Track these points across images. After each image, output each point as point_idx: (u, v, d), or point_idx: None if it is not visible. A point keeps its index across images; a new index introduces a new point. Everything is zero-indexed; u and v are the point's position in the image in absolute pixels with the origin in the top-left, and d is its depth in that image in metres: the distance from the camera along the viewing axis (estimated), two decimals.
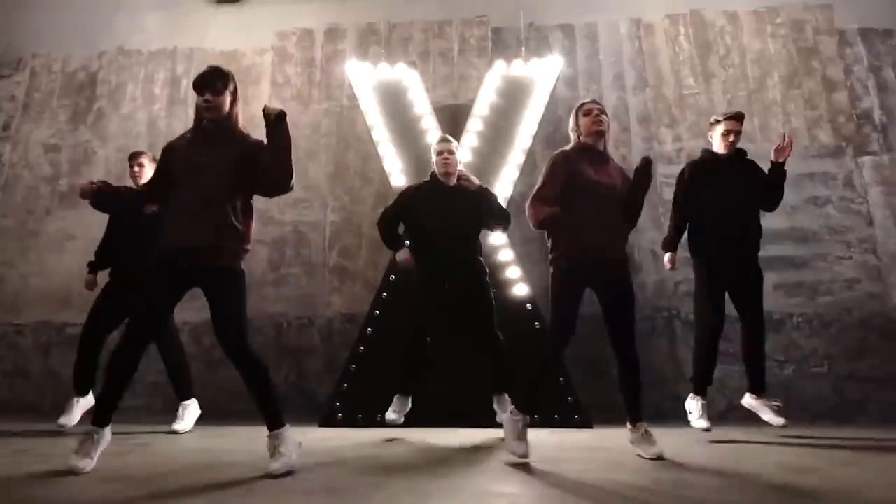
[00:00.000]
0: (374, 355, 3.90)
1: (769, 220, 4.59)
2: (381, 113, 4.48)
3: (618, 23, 5.27)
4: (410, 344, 3.23)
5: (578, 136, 2.77)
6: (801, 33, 5.15)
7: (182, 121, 5.27)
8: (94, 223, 5.09)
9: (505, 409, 2.99)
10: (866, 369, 4.35)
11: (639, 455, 2.57)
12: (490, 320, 3.16)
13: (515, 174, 4.31)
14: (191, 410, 3.68)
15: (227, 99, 2.40)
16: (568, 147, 2.78)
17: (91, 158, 5.25)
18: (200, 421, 3.74)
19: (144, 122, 5.31)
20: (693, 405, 3.36)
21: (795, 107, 4.99)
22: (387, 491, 1.94)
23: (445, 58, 5.31)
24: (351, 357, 3.98)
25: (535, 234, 4.81)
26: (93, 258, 3.83)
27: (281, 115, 2.30)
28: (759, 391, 3.34)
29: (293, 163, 2.37)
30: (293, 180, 2.38)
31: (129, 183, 3.80)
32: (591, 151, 2.73)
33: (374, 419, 3.65)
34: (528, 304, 4.00)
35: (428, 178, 3.38)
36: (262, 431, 2.34)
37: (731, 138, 3.33)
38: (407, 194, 3.38)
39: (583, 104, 2.83)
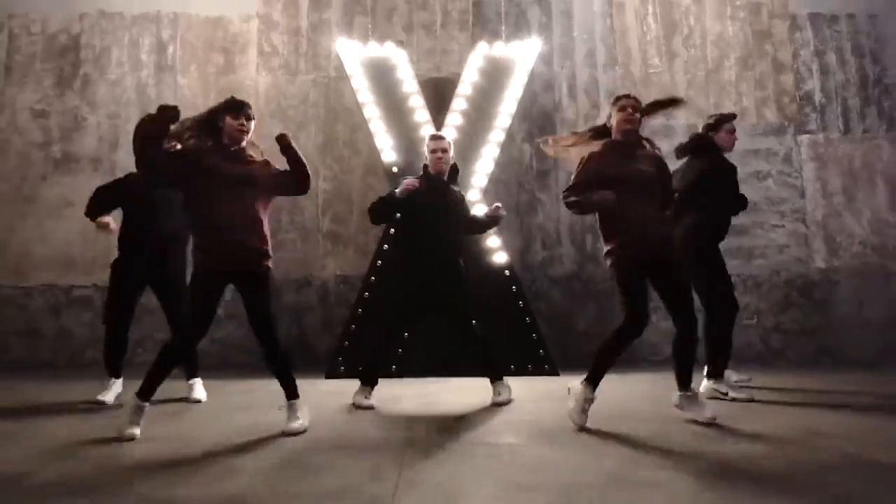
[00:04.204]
0: (372, 316, 4.41)
1: None
2: (370, 91, 4.76)
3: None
4: (388, 337, 3.35)
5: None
6: (757, 16, 5.58)
7: (171, 88, 5.41)
8: (92, 190, 5.33)
9: (507, 393, 3.21)
10: (787, 322, 5.15)
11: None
12: (466, 317, 3.30)
13: (496, 152, 4.73)
14: None
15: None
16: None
17: (81, 125, 5.37)
18: (208, 373, 4.09)
19: (133, 89, 5.41)
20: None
21: (747, 87, 5.50)
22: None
23: (429, 31, 5.54)
24: (351, 318, 4.48)
25: (510, 204, 5.33)
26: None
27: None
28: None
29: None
30: None
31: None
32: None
33: None
34: (507, 271, 4.54)
35: (421, 174, 3.49)
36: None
37: None
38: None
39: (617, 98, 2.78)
